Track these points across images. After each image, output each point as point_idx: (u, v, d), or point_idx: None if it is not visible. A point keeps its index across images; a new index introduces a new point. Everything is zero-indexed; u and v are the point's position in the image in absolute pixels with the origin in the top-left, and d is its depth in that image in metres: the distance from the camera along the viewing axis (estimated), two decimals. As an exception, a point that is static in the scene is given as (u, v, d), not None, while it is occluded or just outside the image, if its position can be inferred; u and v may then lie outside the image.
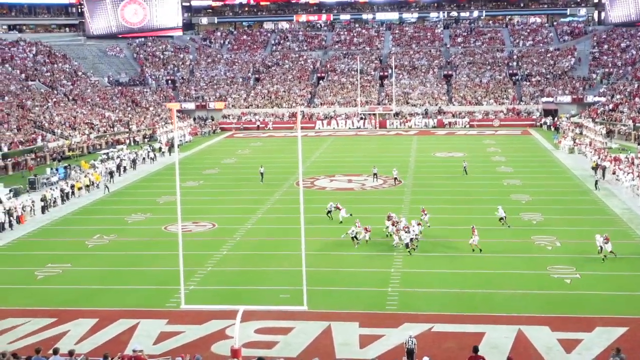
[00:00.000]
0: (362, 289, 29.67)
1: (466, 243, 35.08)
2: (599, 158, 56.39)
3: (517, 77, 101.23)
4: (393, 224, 36.99)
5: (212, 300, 27.69)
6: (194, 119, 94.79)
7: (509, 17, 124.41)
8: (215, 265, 33.71)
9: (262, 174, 54.83)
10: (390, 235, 36.65)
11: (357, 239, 36.37)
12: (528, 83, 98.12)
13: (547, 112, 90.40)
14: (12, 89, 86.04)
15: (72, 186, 51.99)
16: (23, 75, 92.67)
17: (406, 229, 35.45)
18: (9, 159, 63.66)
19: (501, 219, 39.28)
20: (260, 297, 28.52)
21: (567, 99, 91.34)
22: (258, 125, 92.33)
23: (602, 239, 32.52)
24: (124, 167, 61.72)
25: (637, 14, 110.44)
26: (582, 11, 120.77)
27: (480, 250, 34.27)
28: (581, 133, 75.52)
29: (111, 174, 57.45)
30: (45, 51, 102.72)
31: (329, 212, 42.05)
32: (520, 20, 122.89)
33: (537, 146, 71.76)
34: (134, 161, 63.86)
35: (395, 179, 53.71)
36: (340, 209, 41.65)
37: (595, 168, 53.91)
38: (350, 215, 40.59)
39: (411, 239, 35.24)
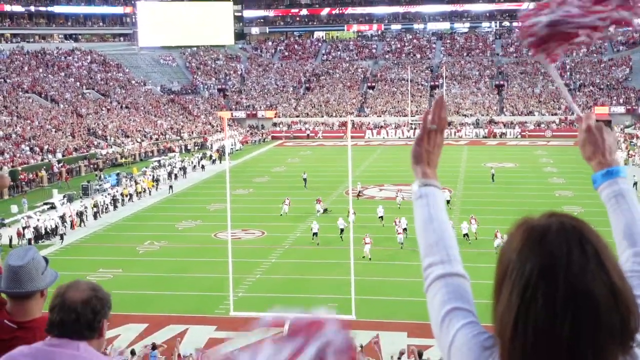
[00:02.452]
0: (410, 298, 29.49)
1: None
2: (654, 170, 55.42)
3: (570, 87, 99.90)
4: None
5: (260, 307, 27.77)
6: (248, 127, 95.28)
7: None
8: (264, 272, 33.84)
9: (305, 179, 56.28)
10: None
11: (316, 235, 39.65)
12: (581, 93, 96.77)
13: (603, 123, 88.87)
14: (67, 97, 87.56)
15: (122, 193, 52.79)
16: (78, 84, 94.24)
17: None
18: (62, 165, 64.71)
19: (448, 201, 44.32)
20: (308, 305, 28.49)
21: (621, 109, 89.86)
22: (308, 134, 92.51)
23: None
24: (175, 175, 62.34)
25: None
26: (637, 21, 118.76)
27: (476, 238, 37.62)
28: (636, 144, 74.22)
29: (157, 181, 58.56)
30: (100, 60, 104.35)
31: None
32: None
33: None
34: (183, 169, 64.50)
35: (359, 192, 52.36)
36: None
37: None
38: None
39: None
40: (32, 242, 39.77)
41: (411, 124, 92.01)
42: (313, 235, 39.67)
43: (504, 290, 1.81)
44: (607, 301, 1.72)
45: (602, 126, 2.53)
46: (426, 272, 2.27)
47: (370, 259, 35.13)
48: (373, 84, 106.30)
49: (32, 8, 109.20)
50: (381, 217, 42.54)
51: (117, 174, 60.29)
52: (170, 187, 57.11)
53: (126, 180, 58.26)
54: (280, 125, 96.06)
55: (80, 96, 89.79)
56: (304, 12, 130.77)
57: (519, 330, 1.76)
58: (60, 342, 3.26)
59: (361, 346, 23.33)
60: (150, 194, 55.37)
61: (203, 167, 67.72)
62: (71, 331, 3.22)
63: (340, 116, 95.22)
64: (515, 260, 1.80)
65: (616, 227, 2.34)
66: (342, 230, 39.52)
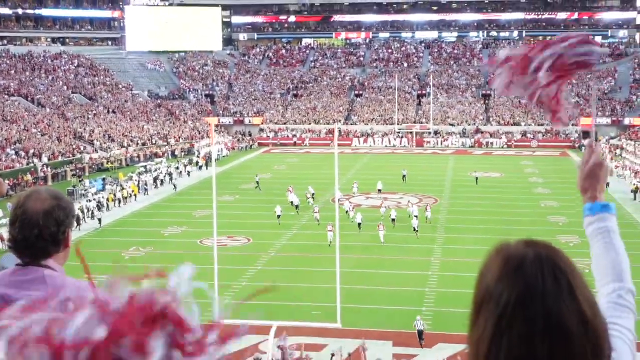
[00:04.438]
0: (396, 307, 29.59)
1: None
2: (639, 181, 55.78)
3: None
4: None
5: (246, 314, 27.72)
6: (235, 133, 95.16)
7: (549, 37, 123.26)
8: (249, 280, 33.84)
9: (257, 182, 59.00)
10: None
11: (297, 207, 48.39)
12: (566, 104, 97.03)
13: (585, 134, 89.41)
14: (53, 101, 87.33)
15: (107, 199, 52.65)
16: (65, 87, 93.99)
17: None
18: (46, 168, 64.47)
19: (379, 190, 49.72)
20: (293, 313, 28.54)
21: (607, 120, 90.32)
22: (295, 142, 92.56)
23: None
24: (161, 180, 62.30)
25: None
26: (622, 32, 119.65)
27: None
28: (621, 155, 74.69)
29: (145, 187, 58.77)
30: (87, 64, 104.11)
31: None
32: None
33: (575, 168, 70.97)
34: (169, 174, 64.42)
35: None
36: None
37: (635, 191, 53.37)
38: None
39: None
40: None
41: (398, 132, 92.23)
42: (277, 217, 45.62)
43: (481, 316, 1.85)
44: (579, 331, 1.76)
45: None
46: None
47: (330, 243, 37.41)
48: (360, 92, 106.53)
49: (20, 11, 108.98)
50: (359, 223, 43.64)
51: (103, 179, 60.15)
52: (174, 186, 60.26)
53: (112, 186, 58.10)
54: (267, 132, 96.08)
55: (66, 100, 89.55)
56: (292, 18, 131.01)
57: (491, 358, 1.78)
58: (23, 276, 3.10)
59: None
60: (135, 199, 55.29)
61: (189, 173, 67.56)
62: (34, 249, 3.11)
63: (328, 123, 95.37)
64: (492, 289, 1.84)
65: (601, 259, 2.46)
66: (297, 206, 48.89)
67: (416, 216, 44.30)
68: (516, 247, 1.89)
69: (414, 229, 42.35)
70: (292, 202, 49.55)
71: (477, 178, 61.26)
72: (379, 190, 55.47)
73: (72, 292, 3.17)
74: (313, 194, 52.05)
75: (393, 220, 44.66)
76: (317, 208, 47.25)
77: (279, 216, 45.93)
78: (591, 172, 2.76)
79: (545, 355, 1.74)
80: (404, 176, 61.70)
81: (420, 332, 26.02)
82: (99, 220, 47.21)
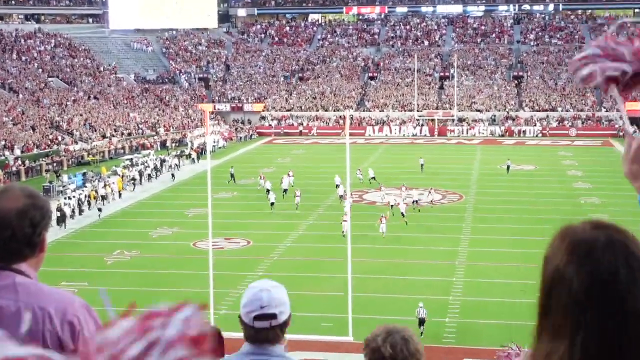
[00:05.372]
0: (414, 317, 29.49)
1: (538, 269, 34.75)
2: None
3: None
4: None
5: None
6: (233, 122, 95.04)
7: (590, 11, 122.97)
8: (249, 287, 33.81)
9: (232, 174, 59.60)
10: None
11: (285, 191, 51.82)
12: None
13: (632, 120, 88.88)
14: (27, 86, 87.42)
15: (88, 196, 52.50)
16: (40, 71, 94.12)
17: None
18: (19, 162, 64.53)
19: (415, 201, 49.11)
20: (300, 325, 28.46)
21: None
22: (301, 131, 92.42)
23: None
24: (148, 175, 62.29)
25: None
26: None
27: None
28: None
29: (133, 180, 58.75)
30: (65, 44, 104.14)
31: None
32: (603, 14, 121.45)
33: (620, 159, 70.63)
34: (156, 168, 64.28)
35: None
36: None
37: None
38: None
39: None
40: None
41: (418, 119, 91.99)
42: (271, 204, 49.03)
43: (553, 301, 1.93)
44: None
45: None
46: None
47: (344, 234, 37.52)
48: (375, 74, 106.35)
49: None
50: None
51: (84, 174, 60.14)
52: (173, 175, 62.89)
53: (93, 181, 58.00)
54: (269, 120, 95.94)
55: (42, 85, 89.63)
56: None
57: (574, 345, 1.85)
58: None
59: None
60: (120, 197, 55.24)
61: (177, 166, 67.15)
62: (7, 251, 3.11)
63: (338, 110, 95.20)
64: (562, 272, 1.90)
65: None
66: (285, 190, 52.52)
67: (415, 201, 48.39)
68: (583, 230, 1.95)
69: (402, 215, 44.67)
70: (268, 190, 51.67)
71: (508, 167, 62.36)
72: (373, 178, 57.63)
73: (51, 301, 3.15)
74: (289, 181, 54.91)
75: (392, 206, 46.80)
76: (298, 192, 50.54)
77: (272, 203, 49.32)
78: (637, 156, 2.75)
79: (621, 347, 1.81)
80: (422, 165, 63.33)
81: (421, 320, 27.02)
82: (99, 209, 49.70)
